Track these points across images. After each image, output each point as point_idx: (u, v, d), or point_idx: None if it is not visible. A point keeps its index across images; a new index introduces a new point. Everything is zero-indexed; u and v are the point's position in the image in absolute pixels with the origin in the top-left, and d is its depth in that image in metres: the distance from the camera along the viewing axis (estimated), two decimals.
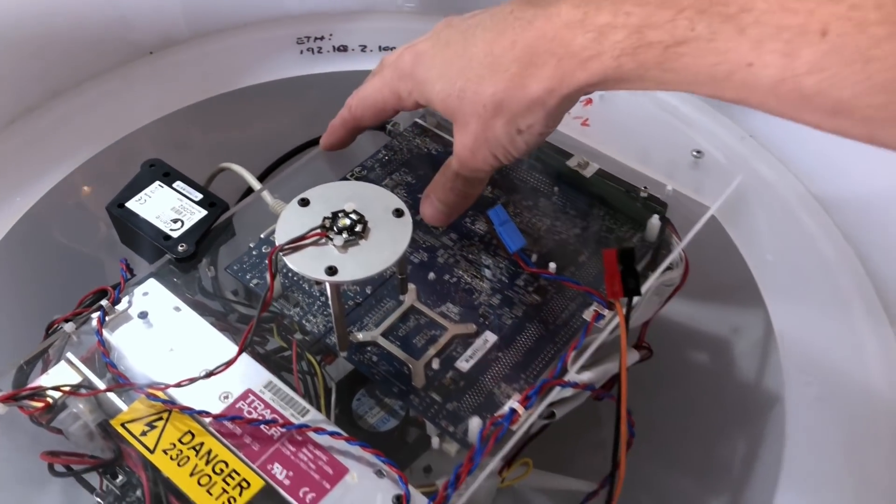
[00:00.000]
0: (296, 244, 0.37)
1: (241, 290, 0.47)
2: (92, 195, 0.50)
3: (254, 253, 0.47)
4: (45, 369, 0.42)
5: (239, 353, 0.37)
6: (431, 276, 0.45)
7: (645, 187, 0.48)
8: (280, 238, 0.38)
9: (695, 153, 0.50)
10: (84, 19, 0.54)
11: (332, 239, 0.37)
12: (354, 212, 0.38)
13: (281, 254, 0.37)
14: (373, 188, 0.40)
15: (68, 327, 0.41)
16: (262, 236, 0.48)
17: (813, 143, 0.50)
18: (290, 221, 0.38)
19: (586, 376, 0.41)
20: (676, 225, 0.48)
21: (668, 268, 0.46)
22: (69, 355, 0.40)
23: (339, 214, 0.38)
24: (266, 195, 0.50)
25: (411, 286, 0.44)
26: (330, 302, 0.39)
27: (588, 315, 0.42)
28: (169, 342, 0.41)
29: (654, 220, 0.47)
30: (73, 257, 0.53)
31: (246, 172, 0.53)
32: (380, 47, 0.59)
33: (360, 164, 0.52)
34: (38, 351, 0.41)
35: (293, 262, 0.37)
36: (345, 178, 0.51)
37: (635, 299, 0.41)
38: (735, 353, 0.51)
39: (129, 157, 0.54)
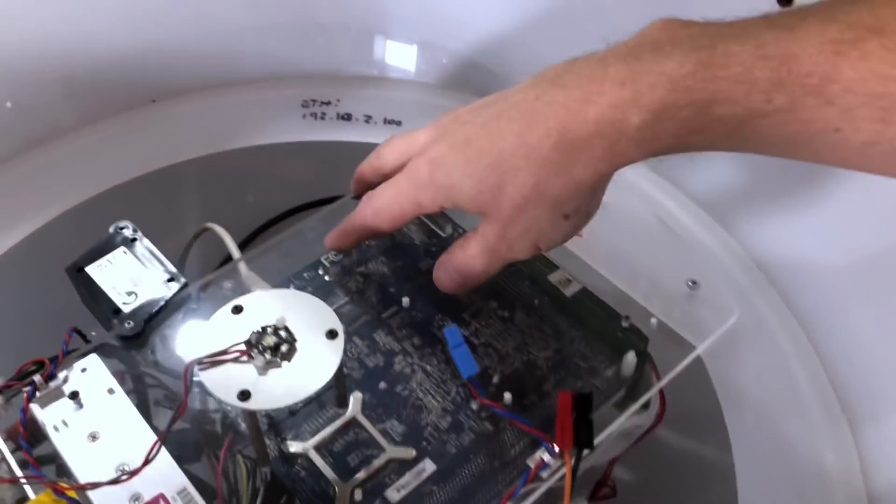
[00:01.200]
0: (215, 359, 0.35)
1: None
2: (66, 248, 0.49)
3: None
4: None
5: (143, 465, 0.36)
6: (383, 385, 0.43)
7: (627, 316, 0.44)
8: (202, 348, 0.36)
9: (690, 283, 0.46)
10: (89, 61, 0.53)
11: (253, 358, 0.35)
12: (285, 328, 0.36)
13: (197, 367, 0.35)
14: (313, 302, 0.38)
15: None
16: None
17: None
18: (218, 330, 0.36)
19: None
20: (660, 358, 0.44)
21: (643, 407, 0.43)
22: None
23: (268, 330, 0.36)
24: (241, 266, 0.48)
25: (357, 395, 0.42)
26: (245, 424, 0.36)
27: (532, 461, 0.39)
28: (94, 427, 0.39)
29: (630, 357, 0.43)
30: (34, 313, 0.53)
31: (227, 237, 0.51)
32: (385, 119, 0.57)
33: None
34: None
35: (208, 379, 0.35)
36: (319, 261, 0.49)
37: (585, 451, 0.38)
38: (709, 495, 0.47)
39: (111, 209, 0.53)
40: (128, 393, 0.44)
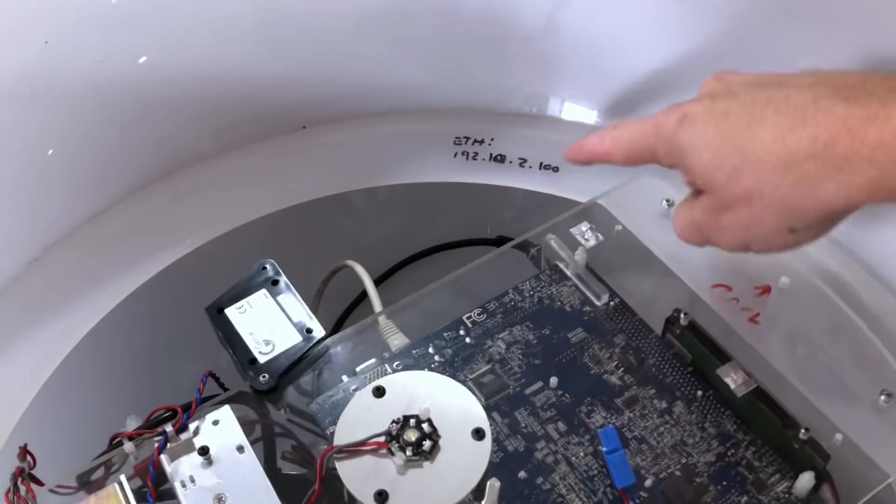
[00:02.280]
0: (353, 448, 0.32)
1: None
2: (209, 279, 0.48)
3: (342, 391, 0.42)
4: (107, 472, 0.41)
5: None
6: (522, 474, 0.39)
7: (807, 428, 0.38)
8: (340, 434, 0.33)
9: (886, 395, 0.40)
10: (239, 86, 0.52)
11: (393, 453, 0.32)
12: (429, 422, 0.33)
13: (334, 456, 0.32)
14: (459, 391, 0.35)
15: (128, 447, 0.39)
16: (356, 370, 0.43)
17: None
18: (358, 413, 0.34)
19: None
20: (842, 481, 0.38)
21: None
22: (122, 478, 0.39)
23: (410, 421, 0.33)
24: (381, 318, 0.46)
25: (495, 483, 0.38)
26: None
27: None
28: (222, 489, 0.38)
29: (807, 477, 0.37)
30: (177, 345, 0.52)
31: (366, 277, 0.49)
32: (541, 164, 0.53)
33: (482, 306, 0.46)
34: (93, 465, 0.40)
35: (345, 472, 0.32)
36: (460, 320, 0.45)
37: None
38: None
39: (258, 239, 0.52)
40: (255, 441, 0.42)
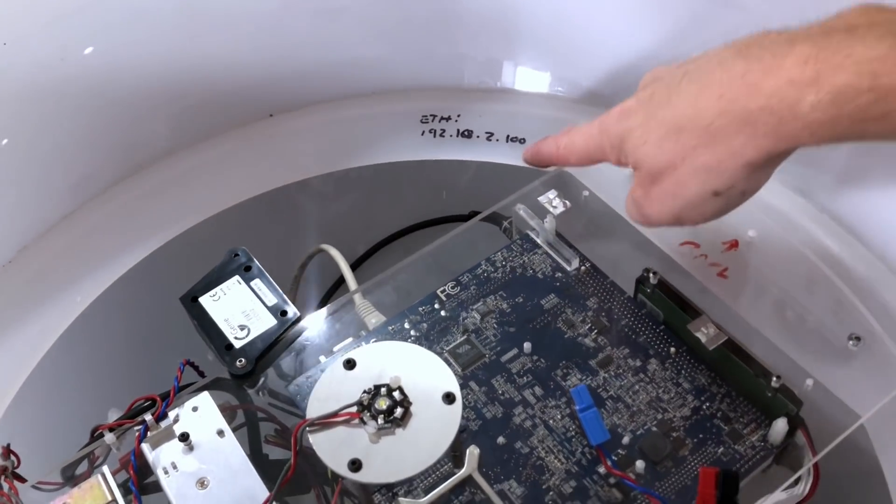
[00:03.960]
0: (326, 421, 0.33)
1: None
2: (182, 271, 0.48)
3: (321, 370, 0.43)
4: (90, 466, 0.41)
5: None
6: (501, 439, 0.39)
7: (779, 375, 0.39)
8: (312, 407, 0.33)
9: (853, 339, 0.40)
10: (204, 77, 0.52)
11: (365, 422, 0.32)
12: (399, 389, 0.33)
13: (307, 429, 0.33)
14: (429, 358, 0.35)
15: (108, 438, 0.39)
16: (334, 350, 0.44)
17: None
18: (329, 387, 0.34)
19: None
20: (814, 425, 0.39)
21: (795, 481, 0.38)
22: (104, 469, 0.39)
23: (381, 390, 0.33)
24: (357, 297, 0.46)
25: (474, 451, 0.38)
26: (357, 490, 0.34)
27: None
28: (204, 473, 0.38)
29: (781, 424, 0.38)
30: (150, 338, 0.52)
31: (343, 262, 0.49)
32: (508, 137, 0.53)
33: (455, 279, 0.46)
34: (77, 457, 0.40)
35: (318, 443, 0.33)
36: (435, 294, 0.46)
37: None
38: None
39: (230, 228, 0.52)
40: (238, 427, 0.43)
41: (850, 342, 0.40)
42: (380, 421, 0.32)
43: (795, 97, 0.31)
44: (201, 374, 0.45)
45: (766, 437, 0.39)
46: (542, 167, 0.47)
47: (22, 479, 0.39)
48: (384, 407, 0.32)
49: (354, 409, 0.33)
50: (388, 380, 0.33)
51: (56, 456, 0.42)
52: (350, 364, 0.35)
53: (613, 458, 0.38)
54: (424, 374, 0.34)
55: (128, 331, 0.52)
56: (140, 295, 0.51)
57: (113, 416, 0.42)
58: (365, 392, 0.33)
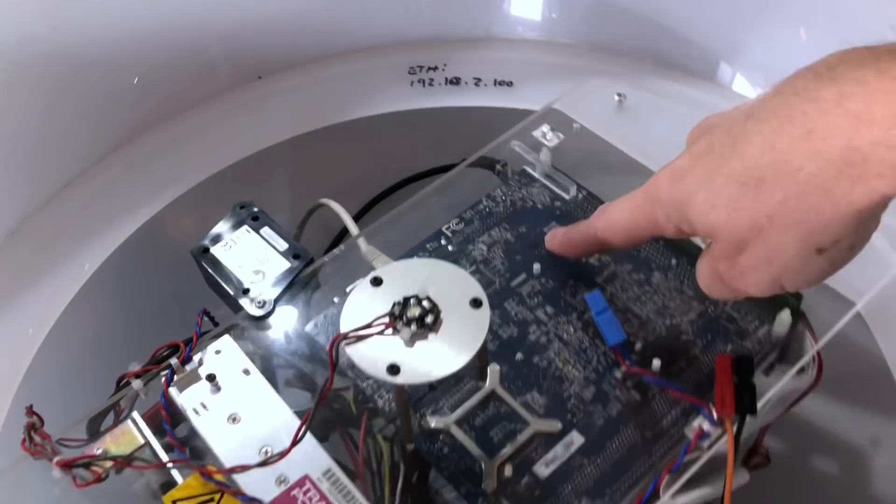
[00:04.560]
0: (360, 333, 0.34)
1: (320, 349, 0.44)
2: (186, 231, 0.49)
3: (336, 311, 0.44)
4: (116, 419, 0.41)
5: (292, 446, 0.35)
6: (519, 356, 0.41)
7: None
8: (345, 322, 0.34)
9: None
10: (190, 40, 0.53)
11: (398, 330, 0.34)
12: (428, 299, 0.34)
13: (343, 342, 0.34)
14: (452, 270, 0.36)
15: (136, 384, 0.40)
16: (346, 290, 0.45)
17: None
18: (359, 304, 0.35)
19: (681, 501, 0.36)
20: (811, 316, 0.41)
21: (799, 370, 0.40)
22: (135, 415, 0.39)
23: (411, 301, 0.34)
24: (361, 242, 0.47)
25: (494, 367, 0.40)
26: (394, 397, 0.35)
27: (691, 431, 0.36)
28: (234, 409, 0.39)
29: (784, 316, 0.40)
30: (161, 296, 0.53)
31: (343, 212, 0.50)
32: (495, 81, 0.54)
33: (459, 215, 0.48)
34: (105, 406, 0.40)
35: (355, 353, 0.34)
36: (440, 231, 0.47)
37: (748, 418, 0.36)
38: (872, 469, 0.44)
39: (227, 189, 0.52)
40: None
41: None
42: (413, 327, 0.33)
43: None
44: (216, 324, 0.45)
45: (770, 332, 0.41)
46: (577, 257, 0.42)
47: (47, 437, 0.40)
48: (416, 315, 0.34)
49: (387, 319, 0.34)
50: (416, 291, 0.35)
51: (76, 417, 0.43)
52: (377, 281, 0.36)
53: (631, 358, 0.40)
54: (450, 284, 0.35)
55: (137, 293, 0.52)
56: (145, 258, 0.52)
57: (135, 368, 0.43)
58: (396, 304, 0.34)
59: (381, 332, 0.34)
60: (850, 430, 0.45)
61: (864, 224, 0.28)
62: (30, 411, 0.40)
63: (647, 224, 0.35)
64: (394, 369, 0.33)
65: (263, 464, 0.35)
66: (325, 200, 0.51)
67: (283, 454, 0.35)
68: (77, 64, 0.49)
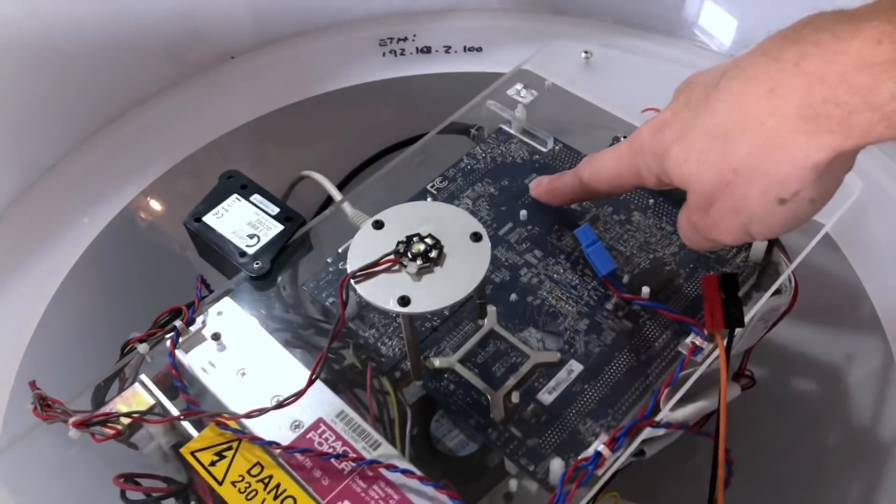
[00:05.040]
0: (368, 271, 0.35)
1: (317, 308, 0.45)
2: (168, 209, 0.50)
3: (331, 269, 0.45)
4: (121, 388, 0.42)
5: (308, 385, 0.36)
6: (513, 297, 0.43)
7: None
8: (352, 263, 0.36)
9: None
10: (159, 25, 0.53)
11: (405, 266, 0.35)
12: (430, 236, 0.36)
13: (352, 281, 0.35)
14: (450, 209, 0.38)
15: (142, 348, 0.40)
16: (339, 251, 0.46)
17: None
18: (363, 245, 0.36)
19: (680, 414, 0.38)
20: (784, 241, 0.43)
21: (776, 291, 0.42)
22: (143, 377, 0.40)
23: (414, 239, 0.36)
24: (346, 206, 0.48)
25: (491, 308, 0.42)
26: (404, 331, 0.37)
27: (684, 347, 0.39)
28: (241, 365, 0.40)
29: (760, 242, 0.42)
30: (150, 273, 0.53)
31: (326, 181, 0.52)
32: (465, 48, 0.56)
33: (441, 174, 0.49)
34: (113, 371, 0.41)
35: (364, 290, 0.35)
36: (425, 189, 0.49)
37: (738, 331, 0.38)
38: (849, 382, 0.46)
39: (207, 168, 0.53)
40: None
41: None
42: (419, 262, 0.35)
43: (868, 84, 0.26)
44: (211, 291, 0.46)
45: (747, 257, 0.43)
46: (562, 205, 0.44)
47: (58, 402, 0.40)
48: (420, 250, 0.35)
49: (392, 256, 0.35)
50: (418, 230, 0.36)
51: (77, 389, 0.43)
52: (378, 224, 0.37)
53: (622, 287, 0.42)
54: (449, 221, 0.36)
55: (124, 268, 0.53)
56: (133, 237, 0.52)
57: (135, 335, 0.43)
58: (400, 242, 0.36)
59: (388, 270, 0.35)
60: (825, 349, 0.48)
61: (821, 178, 0.29)
62: (33, 385, 0.41)
63: (631, 175, 0.37)
64: (404, 300, 0.34)
65: (279, 406, 0.36)
66: (307, 172, 0.52)
67: (299, 394, 0.36)
68: (47, 49, 0.49)
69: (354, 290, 0.35)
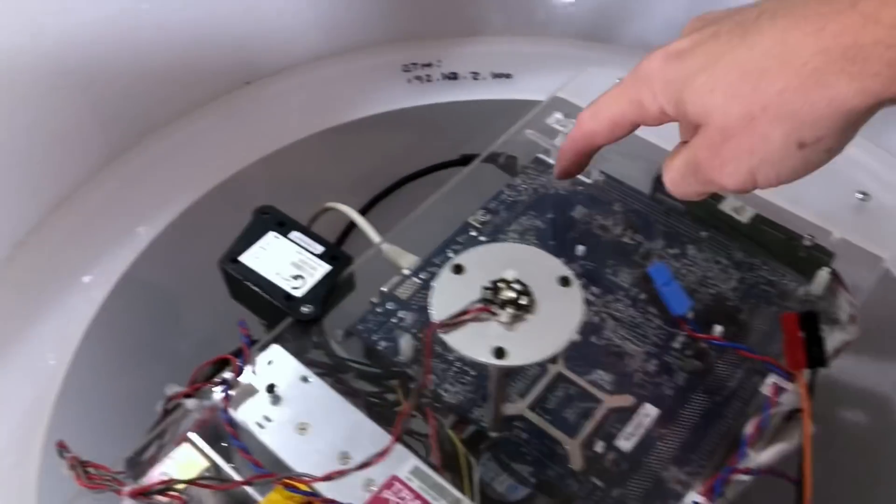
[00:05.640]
0: (456, 320, 0.33)
1: (361, 351, 0.43)
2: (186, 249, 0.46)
3: (378, 310, 0.43)
4: (158, 451, 0.38)
5: (392, 444, 0.33)
6: (576, 337, 0.41)
7: (811, 235, 0.43)
8: (437, 312, 0.33)
9: (860, 195, 0.45)
10: (176, 49, 0.50)
11: (495, 314, 0.33)
12: (517, 281, 0.34)
13: (439, 331, 0.33)
14: (532, 251, 0.36)
15: (191, 404, 0.37)
16: (383, 290, 0.44)
17: None
18: (445, 292, 0.34)
19: (765, 458, 0.37)
20: (845, 275, 0.43)
21: (839, 325, 0.42)
22: (192, 436, 0.37)
23: (500, 284, 0.34)
24: (386, 246, 0.46)
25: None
26: (490, 385, 0.35)
27: (767, 389, 0.38)
28: (300, 419, 0.37)
29: (823, 274, 0.42)
30: (164, 315, 0.50)
31: (355, 214, 0.49)
32: (492, 74, 0.55)
33: (483, 206, 0.47)
34: (158, 431, 0.38)
35: (455, 341, 0.33)
36: (467, 224, 0.47)
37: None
38: None
39: (227, 200, 0.50)
40: None
41: (859, 195, 0.45)
42: (510, 310, 0.33)
43: None
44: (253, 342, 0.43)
45: (808, 291, 0.43)
46: (574, 168, 0.39)
47: (103, 468, 0.36)
48: (510, 297, 0.33)
49: (482, 304, 0.33)
50: (500, 275, 0.34)
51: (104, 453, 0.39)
52: (458, 269, 0.35)
53: (693, 324, 0.40)
54: (533, 264, 0.35)
55: (148, 314, 0.49)
56: (153, 279, 0.48)
57: (172, 391, 0.40)
58: (486, 289, 0.34)
59: (475, 319, 0.33)
60: (875, 380, 0.48)
61: (849, 126, 0.29)
62: (64, 447, 0.37)
63: (631, 108, 0.34)
64: (499, 352, 0.32)
65: (363, 466, 0.33)
66: (331, 204, 0.50)
67: (383, 453, 0.33)
68: (61, 73, 0.46)
69: (442, 341, 0.33)
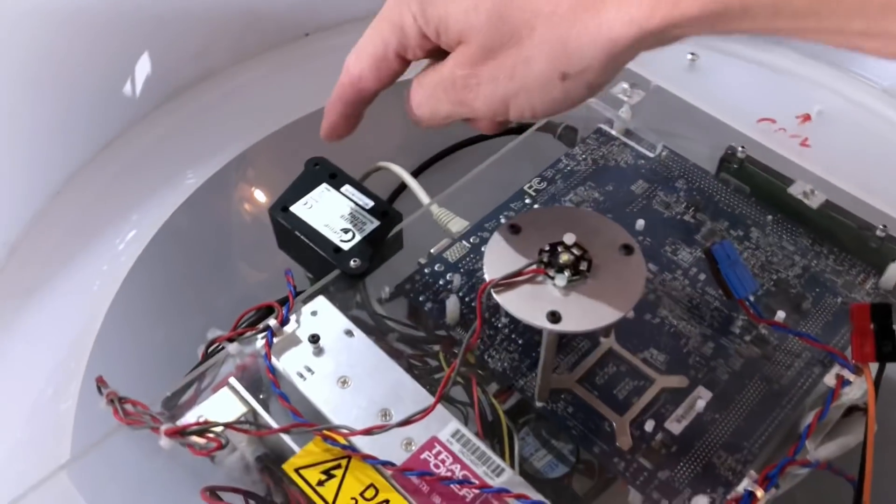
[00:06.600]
0: (510, 280, 0.32)
1: (406, 311, 0.42)
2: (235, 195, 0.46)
3: (426, 271, 0.42)
4: (197, 392, 0.38)
5: (436, 402, 0.32)
6: (631, 314, 0.39)
7: (884, 225, 0.41)
8: (490, 271, 0.32)
9: None
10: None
11: (552, 278, 0.32)
12: (577, 245, 0.32)
13: (492, 290, 0.32)
14: (593, 216, 0.35)
15: (232, 348, 0.37)
16: (431, 251, 0.43)
17: None
18: (500, 251, 0.33)
19: (823, 452, 0.35)
20: None
21: None
22: (233, 381, 0.36)
23: (559, 248, 0.32)
24: (434, 207, 0.45)
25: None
26: (542, 350, 0.33)
27: (831, 380, 0.36)
28: (342, 372, 0.36)
29: (894, 269, 0.40)
30: (206, 263, 0.49)
31: (407, 174, 0.48)
32: None
33: (539, 174, 0.46)
34: (198, 373, 0.37)
35: (508, 302, 0.31)
36: (522, 190, 0.45)
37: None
38: None
39: (280, 151, 0.49)
40: None
41: None
42: (568, 274, 0.31)
43: None
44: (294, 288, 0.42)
45: (877, 284, 0.41)
46: (343, 123, 0.36)
47: (142, 405, 0.36)
48: (568, 261, 0.32)
49: (538, 266, 0.32)
50: (558, 238, 0.33)
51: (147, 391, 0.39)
52: (515, 229, 0.34)
53: (757, 307, 0.39)
54: (591, 229, 0.33)
55: (189, 256, 0.48)
56: (200, 222, 0.48)
57: (214, 335, 0.39)
58: (542, 251, 0.32)
59: (530, 280, 0.32)
60: None
61: (611, 59, 0.27)
62: (102, 382, 0.37)
63: (393, 35, 0.32)
64: (555, 316, 0.31)
65: (404, 423, 0.32)
66: (383, 163, 0.49)
67: (426, 411, 0.32)
68: (121, 13, 0.45)
69: (495, 301, 0.31)
